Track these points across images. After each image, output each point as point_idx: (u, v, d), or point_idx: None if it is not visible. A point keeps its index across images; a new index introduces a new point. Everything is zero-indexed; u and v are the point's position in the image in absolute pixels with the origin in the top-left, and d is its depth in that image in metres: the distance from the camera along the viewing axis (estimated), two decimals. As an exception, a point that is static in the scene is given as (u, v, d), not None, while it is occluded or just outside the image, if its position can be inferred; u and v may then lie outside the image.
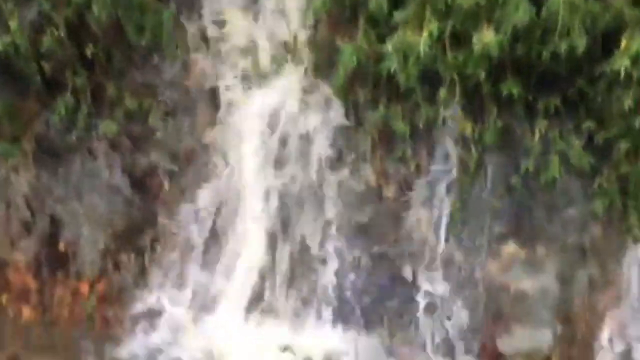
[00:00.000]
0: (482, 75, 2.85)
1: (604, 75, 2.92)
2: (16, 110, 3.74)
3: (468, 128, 3.11)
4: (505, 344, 3.20)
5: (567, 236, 3.28)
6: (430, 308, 3.28)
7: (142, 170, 3.85)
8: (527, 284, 3.32)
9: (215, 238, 3.70)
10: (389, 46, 2.82)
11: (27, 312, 3.38)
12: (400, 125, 3.22)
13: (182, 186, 3.85)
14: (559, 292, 3.31)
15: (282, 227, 3.54)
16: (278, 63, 3.59)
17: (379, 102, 3.33)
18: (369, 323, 3.31)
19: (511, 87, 2.93)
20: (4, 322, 3.31)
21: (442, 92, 3.00)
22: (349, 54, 2.95)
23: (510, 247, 3.33)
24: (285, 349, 3.29)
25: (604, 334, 3.21)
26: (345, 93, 3.38)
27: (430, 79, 3.07)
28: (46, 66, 3.53)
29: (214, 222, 3.70)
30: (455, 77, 2.94)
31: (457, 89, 2.97)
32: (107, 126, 3.57)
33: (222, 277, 3.59)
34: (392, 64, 2.84)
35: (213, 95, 3.79)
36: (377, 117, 3.26)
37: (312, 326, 3.36)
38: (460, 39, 2.91)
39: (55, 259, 3.80)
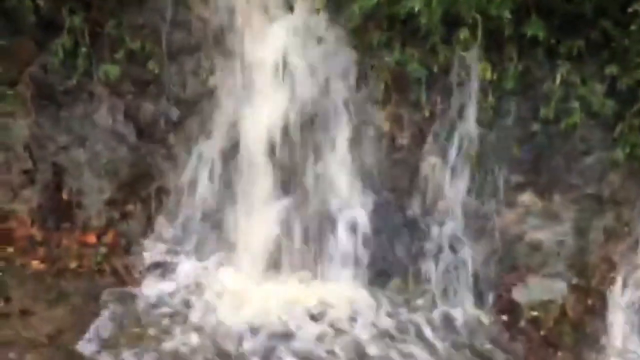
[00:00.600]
0: (507, 15, 2.70)
1: (634, 16, 2.77)
2: (10, 52, 3.58)
3: (487, 72, 2.98)
4: (520, 294, 3.19)
5: (585, 185, 3.23)
6: (445, 258, 3.26)
7: (146, 117, 3.72)
8: (542, 234, 3.28)
9: (223, 187, 3.67)
10: (413, -17, 2.65)
11: (34, 264, 3.31)
12: (416, 68, 3.10)
13: (187, 132, 3.75)
14: (574, 243, 3.30)
15: (292, 174, 3.48)
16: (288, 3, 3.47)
17: (394, 45, 3.21)
18: (382, 272, 3.28)
19: (536, 29, 2.78)
20: (12, 274, 3.21)
21: (463, 34, 2.86)
22: (367, -9, 2.77)
23: (527, 197, 3.27)
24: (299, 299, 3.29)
25: (618, 284, 3.22)
26: (360, 35, 3.24)
27: (449, 20, 2.94)
28: (41, 3, 3.33)
29: (222, 170, 3.65)
30: (478, 17, 2.79)
31: (479, 31, 2.83)
32: (109, 69, 3.41)
33: (231, 228, 3.56)
34: (416, 4, 2.66)
35: (218, 37, 3.69)
36: (392, 60, 3.14)
37: (325, 275, 3.34)
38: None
39: (59, 209, 3.70)
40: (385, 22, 3.12)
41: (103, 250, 3.37)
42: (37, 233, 3.57)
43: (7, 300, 3.07)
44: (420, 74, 3.08)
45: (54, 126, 3.70)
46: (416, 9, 2.72)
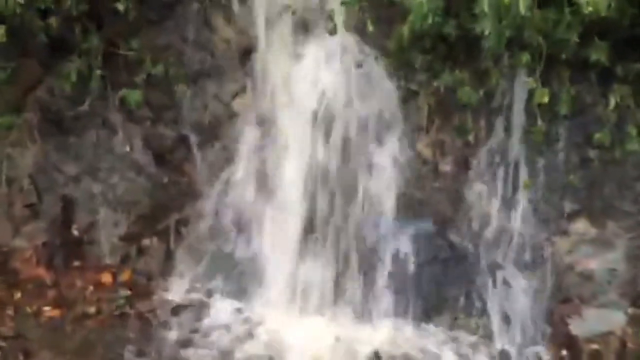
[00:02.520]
0: (574, 39, 2.60)
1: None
2: (14, 74, 3.25)
3: (545, 96, 2.86)
4: (577, 327, 3.04)
5: (639, 212, 3.16)
6: (496, 291, 3.11)
7: (165, 144, 3.45)
8: (594, 262, 3.16)
9: (249, 220, 3.42)
10: (484, 5, 2.51)
11: (47, 310, 2.96)
12: (467, 92, 2.95)
13: (209, 160, 3.49)
14: (626, 270, 3.19)
15: (329, 205, 3.26)
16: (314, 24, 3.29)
17: (443, 68, 3.06)
18: (430, 306, 3.08)
19: (599, 53, 2.69)
20: (25, 323, 2.87)
21: (524, 57, 2.74)
22: (421, 10, 2.64)
23: (580, 224, 3.15)
24: (338, 340, 3.07)
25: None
26: (403, 57, 3.08)
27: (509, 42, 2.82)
28: (53, 23, 2.99)
29: (250, 200, 3.41)
30: (541, 41, 2.68)
31: (542, 54, 2.71)
32: (129, 94, 3.12)
33: (264, 264, 3.32)
34: (487, 26, 2.54)
35: (243, 59, 3.46)
36: (441, 84, 2.99)
37: (370, 311, 3.13)
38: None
39: (68, 246, 3.36)
40: (433, 43, 3.00)
41: (124, 292, 3.08)
42: (45, 274, 3.24)
43: (27, 355, 2.73)
44: (472, 99, 2.94)
45: (62, 155, 3.38)
46: (487, 32, 2.58)
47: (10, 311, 2.91)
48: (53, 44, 3.26)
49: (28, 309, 2.92)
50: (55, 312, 2.95)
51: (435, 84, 3.09)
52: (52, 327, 2.85)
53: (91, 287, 3.13)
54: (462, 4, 2.67)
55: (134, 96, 3.12)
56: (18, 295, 3.01)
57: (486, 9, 2.44)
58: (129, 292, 3.03)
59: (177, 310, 3.04)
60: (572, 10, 2.67)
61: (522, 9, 2.42)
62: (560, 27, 2.57)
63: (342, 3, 3.07)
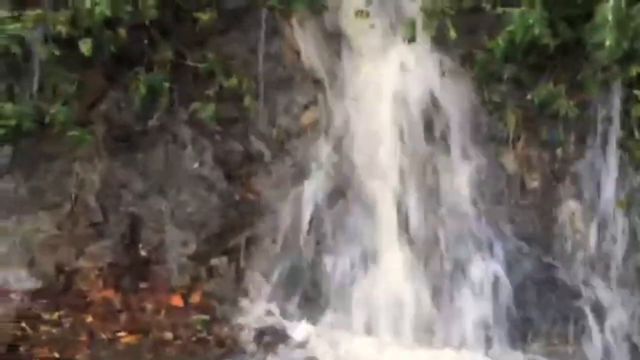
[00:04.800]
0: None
1: None
2: (80, 88, 3.11)
3: (648, 110, 2.73)
4: (677, 353, 2.94)
5: None
6: (591, 316, 2.96)
7: (234, 159, 3.32)
8: (691, 283, 3.05)
9: (323, 239, 3.28)
10: (607, 15, 2.38)
11: (122, 336, 2.81)
12: (563, 105, 2.81)
13: (280, 175, 3.34)
14: None
15: (411, 222, 3.12)
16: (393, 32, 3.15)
17: (534, 78, 2.93)
18: (520, 333, 2.91)
19: None
20: (101, 350, 2.69)
21: (635, 69, 2.60)
22: (525, 21, 2.50)
23: (678, 243, 3.03)
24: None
25: None
26: (492, 68, 2.93)
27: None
28: (121, 32, 2.83)
29: (324, 217, 3.27)
30: (651, 52, 2.54)
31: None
32: (202, 108, 2.97)
33: (341, 285, 3.17)
34: (609, 37, 2.39)
35: (315, 70, 3.32)
36: (536, 96, 2.83)
37: (456, 337, 3.00)
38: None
39: (135, 267, 3.23)
40: (527, 54, 2.87)
41: (201, 316, 2.94)
42: (113, 296, 3.11)
43: (113, 388, 2.59)
44: (570, 112, 2.79)
45: (129, 172, 3.25)
46: (607, 43, 2.45)
47: (84, 337, 2.77)
48: (118, 55, 3.16)
49: (102, 335, 2.80)
50: (131, 338, 2.79)
51: (526, 96, 3.00)
52: (130, 354, 2.69)
53: (163, 311, 3.01)
54: (572, 14, 2.55)
55: (208, 110, 2.97)
56: (89, 319, 2.89)
57: (610, 18, 2.31)
58: (206, 317, 2.91)
59: (256, 335, 2.92)
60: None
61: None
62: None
63: (423, 10, 2.99)
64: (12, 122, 2.50)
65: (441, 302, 3.00)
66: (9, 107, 2.48)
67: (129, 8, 2.47)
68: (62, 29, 2.42)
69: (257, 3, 3.10)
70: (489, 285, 3.01)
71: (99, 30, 2.55)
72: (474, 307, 2.97)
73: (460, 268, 3.03)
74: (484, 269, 3.00)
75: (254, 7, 3.17)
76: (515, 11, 2.61)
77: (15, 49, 2.43)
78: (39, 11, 2.40)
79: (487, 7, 2.73)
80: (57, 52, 2.48)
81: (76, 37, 2.84)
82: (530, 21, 2.51)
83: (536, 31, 2.53)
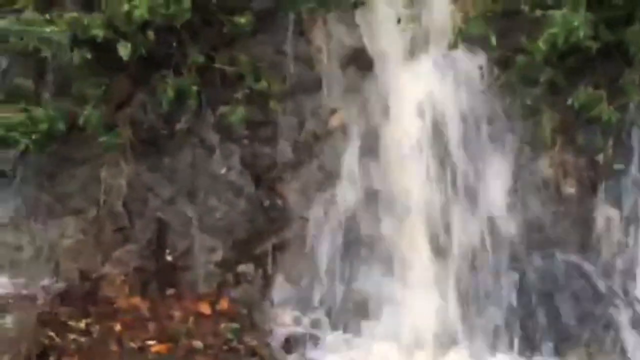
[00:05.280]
0: None
1: None
2: (107, 91, 3.06)
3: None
4: None
5: None
6: (630, 326, 2.89)
7: (262, 163, 3.26)
8: None
9: (351, 245, 3.21)
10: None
11: (152, 345, 2.73)
12: (604, 111, 2.73)
13: (306, 179, 3.27)
14: None
15: (445, 229, 3.07)
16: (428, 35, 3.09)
17: (573, 82, 2.86)
18: (559, 346, 2.84)
19: None
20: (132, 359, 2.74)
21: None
22: (569, 23, 2.43)
23: None
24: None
25: None
26: (527, 72, 2.86)
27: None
28: (151, 35, 2.75)
29: (353, 222, 3.21)
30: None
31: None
32: (231, 111, 2.90)
33: (369, 293, 3.11)
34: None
35: (342, 73, 3.25)
36: (576, 101, 2.76)
37: (491, 349, 2.93)
38: None
39: (161, 273, 3.17)
40: (566, 57, 2.80)
41: (231, 324, 2.88)
42: (140, 303, 3.05)
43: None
44: (612, 117, 2.71)
45: (156, 176, 3.19)
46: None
47: (114, 346, 2.72)
48: (144, 58, 3.10)
49: (132, 344, 2.75)
50: (162, 347, 2.72)
51: (561, 99, 2.93)
52: (165, 365, 2.67)
53: (192, 318, 2.96)
54: (613, 16, 2.49)
55: (237, 114, 2.91)
56: (118, 327, 2.84)
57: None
58: (237, 325, 2.86)
59: (287, 344, 2.87)
60: None
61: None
62: None
63: (458, 12, 2.92)
64: (44, 127, 2.45)
65: (474, 311, 2.95)
66: (40, 111, 2.42)
67: (165, 11, 2.41)
68: (98, 32, 2.36)
69: (285, 5, 3.06)
70: (525, 294, 2.97)
71: (134, 33, 2.50)
72: (509, 317, 2.93)
73: (494, 276, 3.00)
74: (519, 277, 2.97)
75: (281, 9, 3.15)
76: (557, 13, 2.55)
77: (47, 53, 2.39)
78: (74, 14, 2.35)
79: (525, 9, 2.68)
80: (88, 56, 2.44)
81: (111, 40, 2.82)
82: (575, 23, 2.45)
83: (580, 34, 2.47)
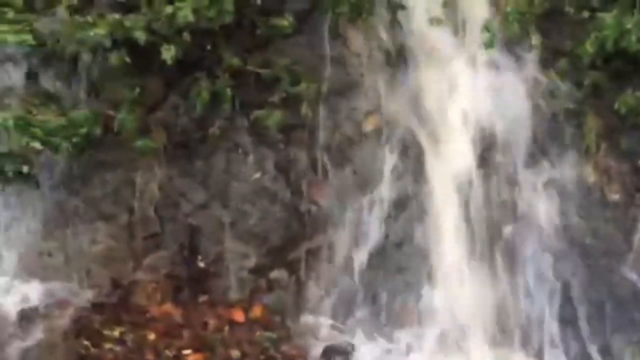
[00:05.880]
0: None
1: None
2: (141, 94, 2.99)
3: None
4: None
5: None
6: (676, 333, 2.84)
7: (296, 168, 3.20)
8: None
9: (387, 252, 3.15)
10: None
11: (188, 354, 2.68)
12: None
13: (341, 185, 3.21)
14: None
15: (486, 235, 3.00)
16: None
17: (620, 86, 2.79)
18: (605, 352, 2.77)
19: None
20: (171, 371, 2.63)
21: None
22: (619, 26, 2.35)
23: None
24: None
25: None
26: (576, 74, 2.81)
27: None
28: (187, 37, 2.67)
29: (388, 227, 3.14)
30: None
31: None
32: (267, 115, 2.83)
33: (407, 300, 3.04)
34: None
35: (379, 75, 3.19)
36: (621, 105, 2.70)
37: (539, 355, 2.85)
38: None
39: (193, 280, 3.11)
40: (613, 60, 2.74)
41: (269, 333, 2.82)
42: (173, 310, 2.99)
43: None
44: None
45: (189, 181, 3.15)
46: None
47: (150, 355, 2.66)
48: (177, 60, 3.03)
49: (167, 352, 2.68)
50: (198, 357, 2.67)
51: (605, 103, 2.86)
52: (204, 376, 2.59)
53: (226, 327, 2.90)
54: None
55: (273, 118, 2.85)
56: (152, 336, 2.77)
57: None
58: (273, 335, 2.80)
59: (325, 353, 2.81)
60: None
61: None
62: None
63: (500, 14, 2.86)
64: (84, 131, 2.39)
65: (517, 319, 2.91)
66: (79, 114, 2.36)
67: (210, 13, 2.35)
68: (140, 35, 2.31)
69: (323, 7, 3.00)
70: (568, 301, 2.91)
71: (172, 36, 2.43)
72: (551, 324, 2.86)
73: (537, 284, 2.92)
74: (563, 284, 2.90)
75: (318, 11, 3.09)
76: (607, 16, 2.48)
77: (87, 56, 2.33)
78: (115, 16, 2.29)
79: (570, 10, 2.61)
80: (127, 59, 2.38)
81: (148, 42, 2.75)
82: (628, 26, 2.38)
83: (633, 37, 2.40)
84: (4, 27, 2.12)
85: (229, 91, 2.93)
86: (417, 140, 3.09)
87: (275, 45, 3.10)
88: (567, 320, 2.82)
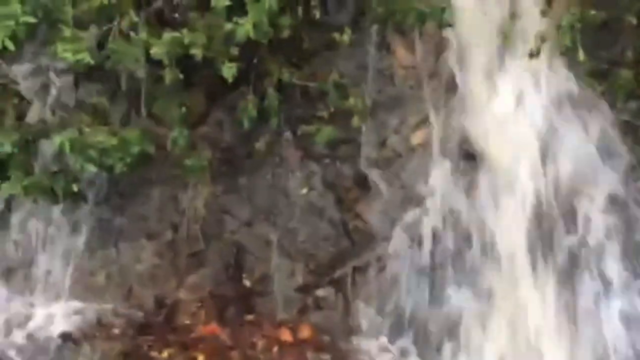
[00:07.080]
0: None
1: None
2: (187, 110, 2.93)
3: None
4: None
5: None
6: None
7: (343, 184, 3.12)
8: None
9: (436, 267, 3.08)
10: None
11: (239, 378, 2.65)
12: None
13: (387, 200, 3.16)
14: None
15: (546, 249, 2.91)
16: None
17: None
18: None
19: None
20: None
21: None
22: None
23: None
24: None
25: None
26: (630, 85, 2.74)
27: None
28: (234, 51, 2.56)
29: (436, 243, 3.06)
30: None
31: None
32: (318, 131, 2.74)
33: (457, 320, 2.96)
34: None
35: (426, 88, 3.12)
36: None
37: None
38: None
39: (238, 299, 3.06)
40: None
41: (323, 355, 2.72)
42: (219, 331, 2.92)
43: None
44: None
45: (234, 197, 3.10)
46: None
47: (199, 379, 2.63)
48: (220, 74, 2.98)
49: (216, 377, 2.63)
50: (249, 381, 2.65)
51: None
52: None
53: (275, 348, 2.84)
54: None
55: (324, 134, 2.75)
56: (201, 358, 2.69)
57: None
58: (327, 357, 2.72)
59: (377, 377, 2.73)
60: None
61: None
62: None
63: (549, 23, 2.78)
64: (136, 150, 2.34)
65: (573, 336, 2.80)
66: (133, 133, 2.31)
67: (267, 28, 2.28)
68: (198, 52, 2.25)
69: (369, 17, 2.93)
70: (624, 322, 2.82)
71: (226, 51, 2.37)
72: (611, 341, 2.75)
73: (592, 305, 2.83)
74: (618, 305, 2.80)
75: (363, 21, 3.03)
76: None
77: (141, 73, 2.28)
78: (175, 34, 2.24)
79: (633, 20, 2.53)
80: (181, 76, 2.32)
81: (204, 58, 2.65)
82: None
83: None
84: (64, 46, 2.06)
85: (276, 105, 2.90)
86: (464, 153, 3.07)
87: (321, 58, 3.07)
88: (629, 344, 2.73)
